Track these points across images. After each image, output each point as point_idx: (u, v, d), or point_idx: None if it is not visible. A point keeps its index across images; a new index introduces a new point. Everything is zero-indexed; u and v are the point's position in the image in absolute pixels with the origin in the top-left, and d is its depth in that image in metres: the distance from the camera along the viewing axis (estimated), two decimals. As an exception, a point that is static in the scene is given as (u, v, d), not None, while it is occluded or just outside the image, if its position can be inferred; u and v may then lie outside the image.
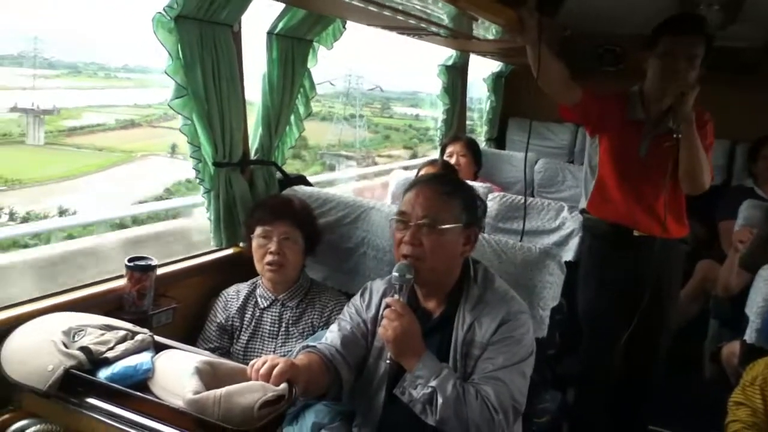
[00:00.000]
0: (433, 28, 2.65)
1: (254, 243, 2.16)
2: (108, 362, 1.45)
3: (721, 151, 4.26)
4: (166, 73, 2.04)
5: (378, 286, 1.87)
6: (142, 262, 1.99)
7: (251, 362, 1.47)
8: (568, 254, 3.00)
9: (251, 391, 1.34)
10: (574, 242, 3.02)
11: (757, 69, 4.27)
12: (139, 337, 1.55)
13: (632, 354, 2.66)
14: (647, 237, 2.57)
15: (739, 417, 2.07)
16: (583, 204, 2.79)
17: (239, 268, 2.31)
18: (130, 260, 1.99)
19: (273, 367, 1.44)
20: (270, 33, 2.41)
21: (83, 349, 1.44)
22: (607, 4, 3.42)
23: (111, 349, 1.49)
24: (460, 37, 3.04)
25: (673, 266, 2.70)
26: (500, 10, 2.29)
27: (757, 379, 2.08)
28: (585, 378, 2.81)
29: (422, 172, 3.09)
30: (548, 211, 3.14)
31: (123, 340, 1.54)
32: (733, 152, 4.48)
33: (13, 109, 3.28)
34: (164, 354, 1.52)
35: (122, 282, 2.00)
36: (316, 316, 2.15)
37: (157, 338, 1.59)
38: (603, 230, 2.66)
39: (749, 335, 2.29)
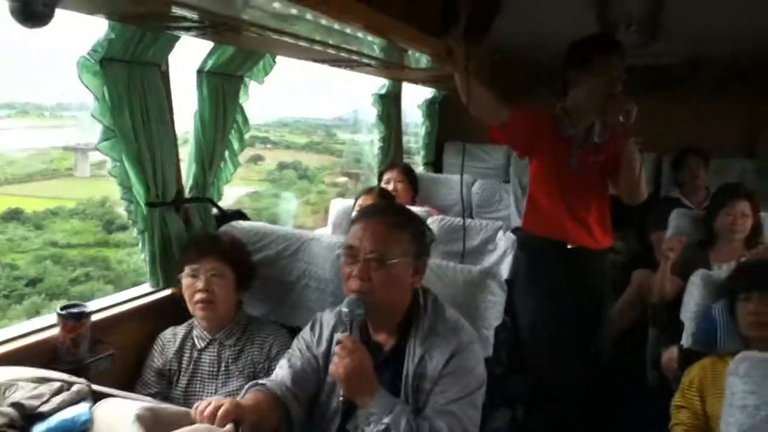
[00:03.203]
0: (365, 60, 2.68)
1: (183, 283, 2.12)
2: (43, 417, 1.38)
3: (648, 163, 4.42)
4: (92, 116, 2.01)
5: (328, 318, 1.85)
6: (76, 310, 1.93)
7: (195, 404, 1.44)
8: (505, 272, 3.05)
9: (196, 434, 1.31)
10: (508, 261, 3.07)
11: (678, 83, 4.48)
12: (75, 388, 1.49)
13: (578, 364, 2.72)
14: (580, 248, 2.67)
15: (681, 420, 2.13)
16: (516, 222, 2.85)
17: (178, 310, 2.24)
18: (62, 308, 1.92)
19: (217, 408, 1.41)
20: (200, 71, 2.40)
21: (15, 405, 1.37)
22: (533, 28, 3.53)
23: (46, 402, 1.42)
24: (391, 67, 3.08)
25: (605, 275, 2.82)
26: (428, 41, 2.34)
27: (694, 381, 2.15)
28: (535, 393, 2.84)
29: (360, 201, 3.10)
30: (486, 231, 3.18)
31: (59, 391, 1.47)
32: (659, 164, 4.66)
33: (66, 148, 3.37)
34: (103, 403, 1.46)
35: (55, 331, 1.92)
36: (256, 352, 2.12)
37: (95, 387, 1.53)
38: (538, 245, 2.73)
39: (685, 340, 2.37)
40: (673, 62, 4.28)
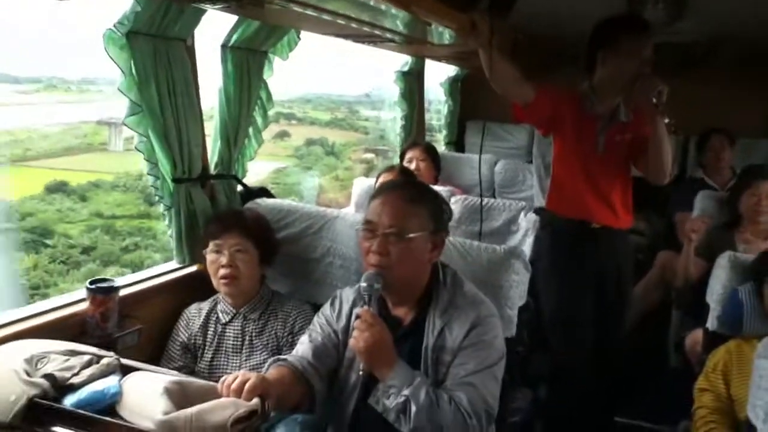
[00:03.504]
0: (388, 35, 2.65)
1: (208, 259, 2.13)
2: (74, 388, 1.40)
3: (673, 144, 4.36)
4: (119, 90, 2.01)
5: (348, 294, 1.87)
6: (104, 284, 1.94)
7: (222, 378, 1.45)
8: (527, 253, 3.03)
9: (223, 408, 1.32)
10: (530, 241, 3.06)
11: (704, 63, 4.40)
12: (104, 361, 1.51)
13: (600, 345, 2.71)
14: (604, 228, 2.66)
15: (704, 403, 2.13)
16: (538, 202, 2.83)
17: (203, 286, 2.26)
18: (91, 282, 1.94)
19: (244, 382, 1.43)
20: (224, 46, 2.39)
21: (47, 376, 1.40)
22: (555, 7, 3.48)
23: (76, 374, 1.44)
24: (414, 42, 3.05)
25: (629, 256, 2.81)
26: (452, 15, 2.31)
27: (718, 364, 2.14)
28: (556, 374, 2.84)
29: (381, 179, 3.10)
30: (509, 211, 3.17)
31: (88, 364, 1.49)
32: (685, 145, 4.60)
33: (99, 122, 3.44)
34: (132, 376, 1.48)
35: (84, 305, 1.94)
36: (279, 327, 2.13)
37: (124, 361, 1.55)
38: (562, 225, 2.71)
39: (711, 323, 2.35)
40: (699, 40, 4.20)
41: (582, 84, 2.67)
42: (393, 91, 4.40)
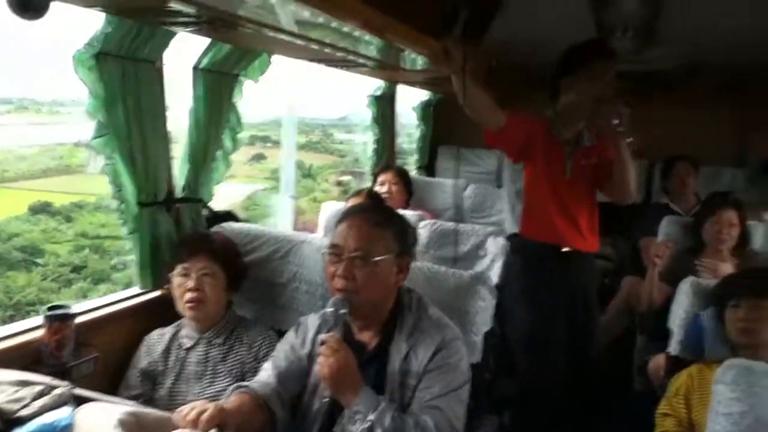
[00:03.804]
0: (361, 60, 2.68)
1: (174, 282, 2.10)
2: (22, 421, 1.35)
3: (639, 170, 4.43)
4: (86, 111, 1.99)
5: (312, 321, 1.86)
6: (61, 311, 1.89)
7: (178, 409, 1.43)
8: (494, 278, 3.05)
9: (179, 440, 1.30)
10: (498, 266, 3.08)
11: (671, 90, 4.49)
12: (57, 391, 1.45)
13: (569, 368, 2.73)
14: (574, 251, 2.70)
15: (666, 428, 2.14)
16: (511, 228, 2.85)
17: (165, 312, 2.21)
18: (48, 309, 1.89)
19: (201, 413, 1.41)
20: (195, 68, 2.38)
21: (-7, 409, 1.35)
22: (529, 34, 3.54)
23: (26, 406, 1.39)
24: (387, 68, 3.08)
25: (595, 279, 2.88)
26: (425, 41, 2.34)
27: (680, 389, 2.16)
28: (523, 399, 2.84)
29: (350, 203, 3.10)
30: (478, 236, 3.19)
31: (40, 395, 1.43)
32: (651, 171, 4.67)
33: (77, 144, 3.48)
34: (85, 407, 1.42)
35: (39, 333, 1.88)
36: (244, 353, 2.09)
37: (78, 391, 1.50)
38: (535, 250, 2.74)
39: (673, 348, 2.37)
40: (667, 68, 4.30)
41: (547, 110, 2.73)
42: (366, 114, 4.42)
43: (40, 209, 3.58)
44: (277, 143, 5.00)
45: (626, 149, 2.48)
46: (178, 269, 2.09)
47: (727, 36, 3.25)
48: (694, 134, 4.50)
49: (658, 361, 2.73)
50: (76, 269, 3.45)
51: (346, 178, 4.69)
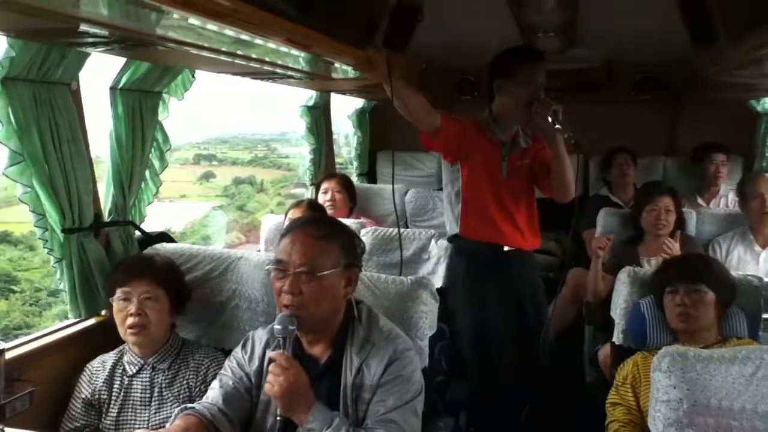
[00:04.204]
0: (289, 72, 2.65)
1: (114, 306, 2.04)
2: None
3: (574, 163, 4.52)
4: (-3, 139, 1.90)
5: (260, 335, 1.82)
6: (-12, 347, 1.81)
7: None
8: (439, 281, 3.06)
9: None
10: (443, 268, 3.08)
11: (599, 87, 4.62)
12: (-13, 432, 1.40)
13: (519, 365, 2.76)
14: (516, 251, 2.75)
15: (616, 417, 2.16)
16: (452, 230, 2.86)
17: (104, 339, 2.16)
18: (-27, 346, 1.80)
19: None
20: (113, 88, 2.31)
21: None
22: (457, 37, 3.59)
23: (-48, 451, 1.33)
24: (317, 78, 3.06)
25: (537, 276, 2.93)
26: (351, 52, 2.34)
27: (627, 378, 2.19)
28: (476, 399, 2.85)
29: (290, 214, 3.05)
30: (420, 240, 3.19)
31: (-33, 438, 1.38)
32: (587, 165, 4.78)
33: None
34: (17, 447, 1.38)
35: (-35, 371, 1.80)
36: (191, 377, 2.05)
37: (8, 431, 1.44)
38: (477, 251, 2.77)
39: (616, 337, 2.41)
40: (594, 66, 4.41)
41: (483, 113, 2.77)
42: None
43: (1, 239, 3.60)
44: (222, 161, 4.99)
45: (563, 146, 2.54)
46: (119, 293, 2.03)
47: (640, 35, 3.37)
48: (623, 129, 4.66)
49: (605, 351, 2.78)
50: (53, 293, 3.47)
51: (299, 190, 4.67)
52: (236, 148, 5.48)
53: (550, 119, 2.45)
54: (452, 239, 2.90)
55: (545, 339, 2.86)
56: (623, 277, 2.46)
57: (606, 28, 3.43)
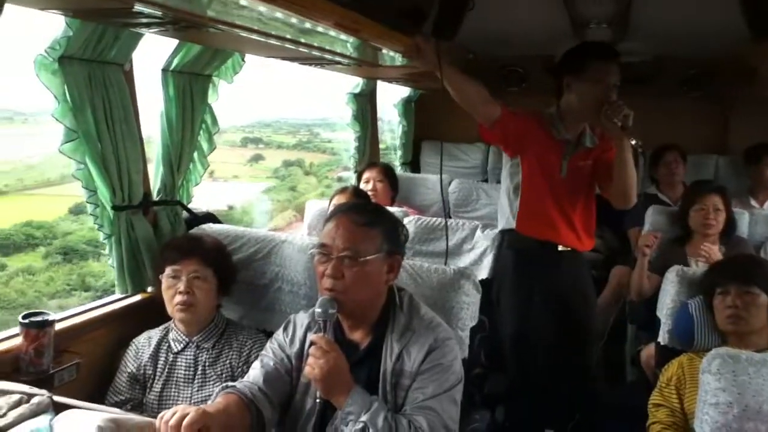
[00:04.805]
0: (338, 58, 2.65)
1: (163, 284, 2.07)
2: (-1, 431, 1.33)
3: (639, 170, 4.45)
4: (53, 116, 1.94)
5: (302, 319, 1.83)
6: (38, 318, 1.86)
7: (160, 414, 1.40)
8: (483, 272, 3.03)
9: (158, 446, 1.27)
10: (488, 260, 3.05)
11: (650, 81, 4.52)
12: (35, 400, 1.44)
13: (564, 363, 2.72)
14: (569, 251, 2.69)
15: (659, 418, 2.12)
16: (505, 224, 2.81)
17: (148, 315, 2.21)
18: (24, 317, 1.86)
19: (183, 417, 1.38)
20: (165, 70, 2.35)
21: (-32, 420, 1.32)
22: (505, 27, 3.54)
23: (2, 416, 1.37)
24: (365, 65, 3.05)
25: (590, 277, 2.85)
26: (399, 39, 2.32)
27: (672, 379, 2.14)
28: (514, 393, 2.83)
29: (334, 201, 3.07)
30: (463, 230, 3.17)
31: (17, 404, 1.42)
32: (636, 164, 4.67)
33: None
34: (64, 415, 1.41)
35: (17, 341, 1.86)
36: (234, 357, 2.08)
37: (57, 398, 1.48)
38: (530, 246, 2.72)
39: (662, 337, 2.36)
40: (646, 60, 4.31)
41: (548, 109, 2.71)
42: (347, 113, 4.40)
43: (79, 211, 3.60)
44: (268, 144, 5.08)
45: (629, 151, 2.46)
46: (168, 271, 2.07)
47: (693, 29, 3.27)
48: (674, 125, 4.55)
49: (649, 351, 2.73)
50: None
51: (345, 174, 4.72)
52: (279, 132, 5.56)
53: (619, 123, 2.38)
54: (505, 232, 2.85)
55: (592, 341, 2.81)
56: (671, 276, 2.40)
57: (659, 20, 3.34)
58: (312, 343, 1.64)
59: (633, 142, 2.41)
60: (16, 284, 2.92)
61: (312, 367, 1.60)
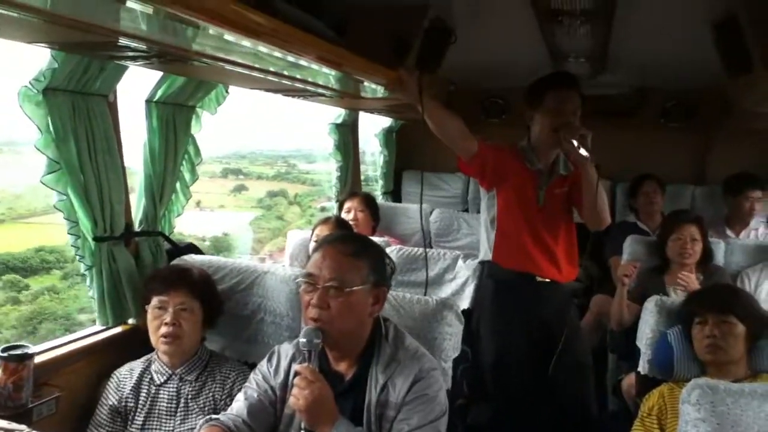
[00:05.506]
0: (320, 90, 2.67)
1: (149, 314, 2.06)
2: (-25, 469, 1.31)
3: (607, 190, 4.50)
4: (36, 147, 1.94)
5: (286, 349, 1.83)
6: (18, 351, 1.84)
7: None
8: (465, 302, 3.04)
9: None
10: (470, 290, 3.06)
11: (629, 113, 4.61)
12: (13, 435, 1.42)
13: (547, 394, 2.71)
14: (548, 282, 2.71)
15: (640, 448, 2.12)
16: (484, 256, 2.83)
17: (129, 347, 2.19)
18: (3, 350, 1.83)
19: None
20: (149, 101, 2.35)
21: (-57, 457, 1.30)
22: (486, 60, 3.60)
23: (-20, 452, 1.35)
24: (347, 96, 3.09)
25: (571, 308, 2.85)
26: (381, 71, 2.35)
27: (653, 409, 2.15)
28: (497, 424, 2.81)
29: (317, 231, 3.07)
30: (445, 260, 3.18)
31: (-5, 440, 1.40)
32: (613, 191, 4.74)
33: None
34: (42, 451, 1.40)
35: (-4, 374, 1.83)
36: (217, 389, 2.06)
37: (35, 433, 1.46)
38: (508, 278, 2.73)
39: (642, 366, 2.37)
40: (624, 92, 4.40)
41: (521, 142, 2.75)
42: (323, 144, 4.43)
43: None
44: (248, 175, 5.14)
45: (593, 172, 2.50)
46: (155, 302, 2.05)
47: (672, 62, 3.35)
48: (651, 156, 4.64)
49: (630, 380, 2.73)
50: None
51: (328, 203, 4.76)
52: (255, 163, 5.62)
53: (575, 144, 2.42)
54: (485, 263, 2.87)
55: (581, 373, 2.80)
56: (650, 306, 2.42)
57: (637, 54, 3.42)
58: (297, 374, 1.64)
59: (590, 162, 2.46)
60: (43, 302, 3.02)
61: (297, 398, 1.59)
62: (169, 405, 2.04)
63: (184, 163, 2.51)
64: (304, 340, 1.64)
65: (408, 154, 5.27)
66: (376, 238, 3.20)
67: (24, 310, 2.95)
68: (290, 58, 1.87)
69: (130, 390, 2.06)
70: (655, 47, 3.14)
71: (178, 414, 2.04)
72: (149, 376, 2.08)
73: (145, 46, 1.66)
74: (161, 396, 2.05)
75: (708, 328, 2.19)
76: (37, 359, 1.92)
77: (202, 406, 2.04)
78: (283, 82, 2.32)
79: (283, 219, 5.30)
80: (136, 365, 2.11)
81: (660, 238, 3.28)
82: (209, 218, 4.37)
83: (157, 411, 2.04)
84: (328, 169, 4.57)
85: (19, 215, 3.42)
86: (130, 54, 1.77)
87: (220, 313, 2.20)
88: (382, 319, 1.80)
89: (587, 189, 2.55)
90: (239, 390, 1.95)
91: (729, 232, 4.03)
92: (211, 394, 2.05)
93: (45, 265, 3.15)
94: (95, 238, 2.15)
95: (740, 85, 2.81)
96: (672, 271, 3.17)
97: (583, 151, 2.43)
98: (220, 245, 4.40)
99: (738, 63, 2.64)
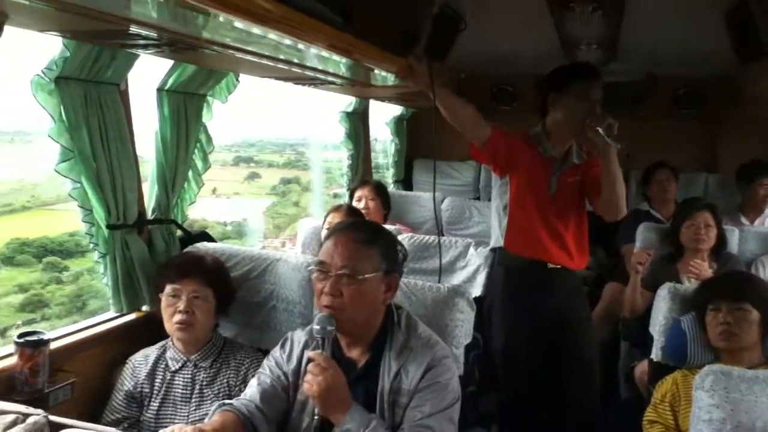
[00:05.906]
0: (330, 78, 2.67)
1: (163, 302, 2.07)
2: (-6, 452, 1.33)
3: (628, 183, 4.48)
4: (49, 136, 1.96)
5: (299, 336, 1.83)
6: (34, 337, 1.86)
7: None
8: (476, 289, 3.03)
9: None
10: (481, 277, 3.06)
11: (640, 100, 4.57)
12: (31, 420, 1.42)
13: (558, 382, 2.72)
14: (559, 269, 2.70)
15: (654, 434, 2.12)
16: (496, 243, 2.83)
17: (144, 334, 2.21)
18: (20, 336, 1.85)
19: None
20: (160, 89, 2.36)
21: (-39, 441, 1.32)
22: (496, 47, 3.59)
23: (-3, 437, 1.37)
24: (357, 85, 3.08)
25: (582, 295, 2.86)
26: (391, 59, 2.35)
27: (666, 396, 2.15)
28: (508, 411, 2.82)
29: (329, 218, 3.07)
30: (456, 248, 3.17)
31: (13, 424, 1.40)
32: (626, 179, 4.71)
33: None
34: (60, 435, 1.41)
35: (12, 360, 1.85)
36: (231, 376, 2.08)
37: (52, 418, 1.47)
38: (519, 265, 2.73)
39: (655, 353, 2.37)
40: (636, 80, 4.37)
41: (534, 129, 2.74)
42: (330, 133, 4.45)
43: None
44: (259, 163, 5.16)
45: (616, 162, 2.48)
46: (168, 290, 2.07)
47: (683, 49, 3.33)
48: (663, 144, 4.60)
49: (642, 368, 2.73)
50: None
51: (340, 190, 4.78)
52: (264, 151, 5.64)
53: (603, 132, 2.41)
54: (496, 250, 2.87)
55: (587, 358, 2.80)
56: (663, 293, 2.42)
57: (648, 41, 3.40)
58: (310, 360, 1.64)
59: (618, 147, 2.43)
60: (84, 282, 3.06)
61: (310, 384, 1.60)
62: (184, 391, 2.06)
63: (196, 151, 2.52)
64: (318, 327, 1.65)
65: (419, 142, 5.26)
66: (387, 227, 3.20)
67: (67, 289, 3.03)
68: (300, 46, 1.87)
69: (146, 376, 2.08)
70: (666, 34, 3.12)
71: (193, 400, 2.06)
72: (164, 363, 2.10)
73: (155, 34, 1.67)
74: (176, 382, 2.07)
75: (722, 315, 2.18)
76: (53, 345, 1.94)
77: (216, 392, 2.05)
78: (294, 69, 2.32)
79: (298, 205, 5.35)
80: (151, 351, 2.13)
81: (674, 224, 3.26)
82: (226, 204, 4.43)
83: (172, 397, 2.06)
84: (338, 157, 4.56)
85: (43, 203, 3.45)
86: (141, 42, 1.78)
87: (232, 300, 2.21)
88: (394, 307, 1.80)
89: (607, 179, 2.52)
90: (253, 377, 1.97)
91: (743, 219, 4.01)
92: (225, 380, 2.07)
93: (79, 248, 3.20)
94: (108, 226, 2.17)
95: (751, 71, 2.79)
96: (685, 258, 3.15)
97: (609, 140, 2.41)
98: (241, 230, 4.49)
99: (749, 49, 2.62)
